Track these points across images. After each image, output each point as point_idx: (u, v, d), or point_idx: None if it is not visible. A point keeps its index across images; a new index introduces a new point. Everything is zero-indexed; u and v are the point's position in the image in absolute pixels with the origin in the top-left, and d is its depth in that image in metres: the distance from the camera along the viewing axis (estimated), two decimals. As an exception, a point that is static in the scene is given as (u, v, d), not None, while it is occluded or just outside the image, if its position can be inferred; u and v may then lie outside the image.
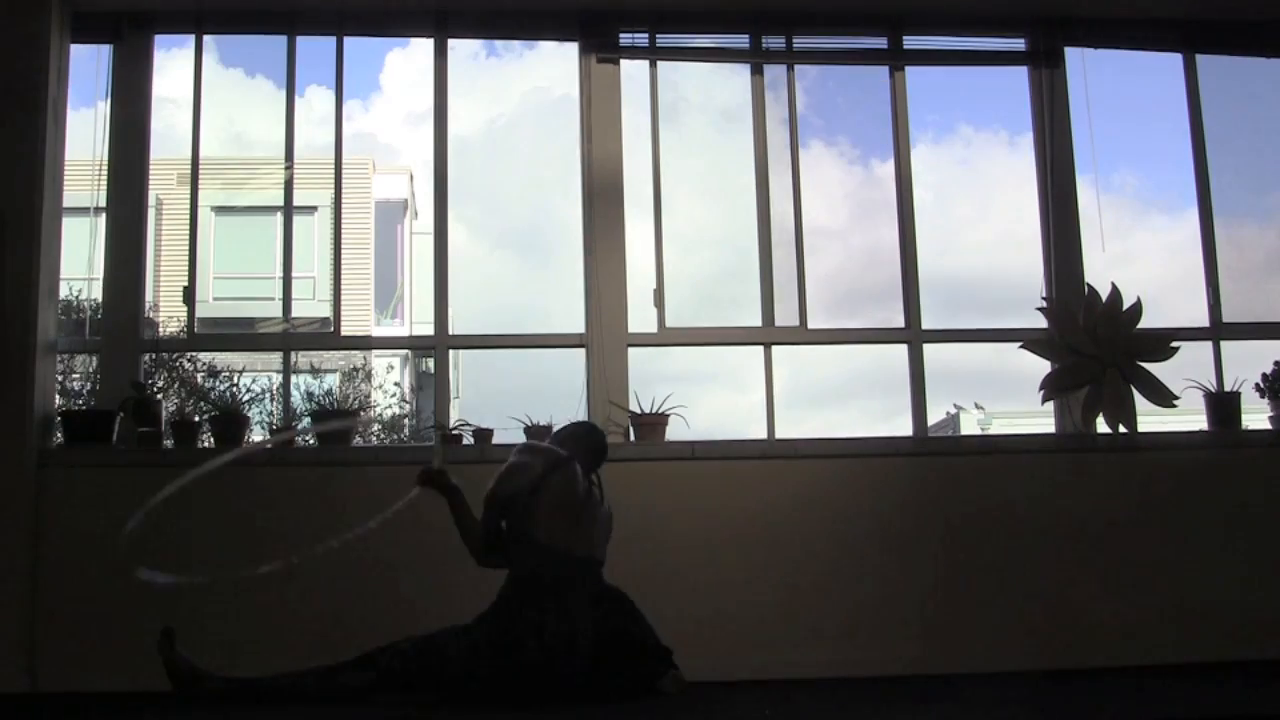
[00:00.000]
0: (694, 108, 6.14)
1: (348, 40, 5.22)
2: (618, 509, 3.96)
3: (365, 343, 9.82)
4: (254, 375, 9.09)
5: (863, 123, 5.61)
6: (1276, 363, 5.09)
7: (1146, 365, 4.96)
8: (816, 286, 5.15)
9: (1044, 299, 5.13)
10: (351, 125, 21.42)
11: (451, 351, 5.16)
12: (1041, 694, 3.86)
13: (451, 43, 5.22)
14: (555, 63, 5.32)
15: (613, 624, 3.61)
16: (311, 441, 4.78)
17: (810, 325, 5.09)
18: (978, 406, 13.44)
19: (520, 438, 4.74)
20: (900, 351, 5.14)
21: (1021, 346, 5.02)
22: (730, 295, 5.32)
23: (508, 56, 29.12)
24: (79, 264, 5.00)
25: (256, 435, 5.26)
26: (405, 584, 4.43)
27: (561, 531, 3.62)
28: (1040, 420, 5.72)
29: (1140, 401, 4.94)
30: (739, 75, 5.33)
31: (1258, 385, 5.08)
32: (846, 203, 6.96)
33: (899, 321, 5.16)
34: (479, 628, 3.56)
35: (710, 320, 5.17)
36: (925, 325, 5.14)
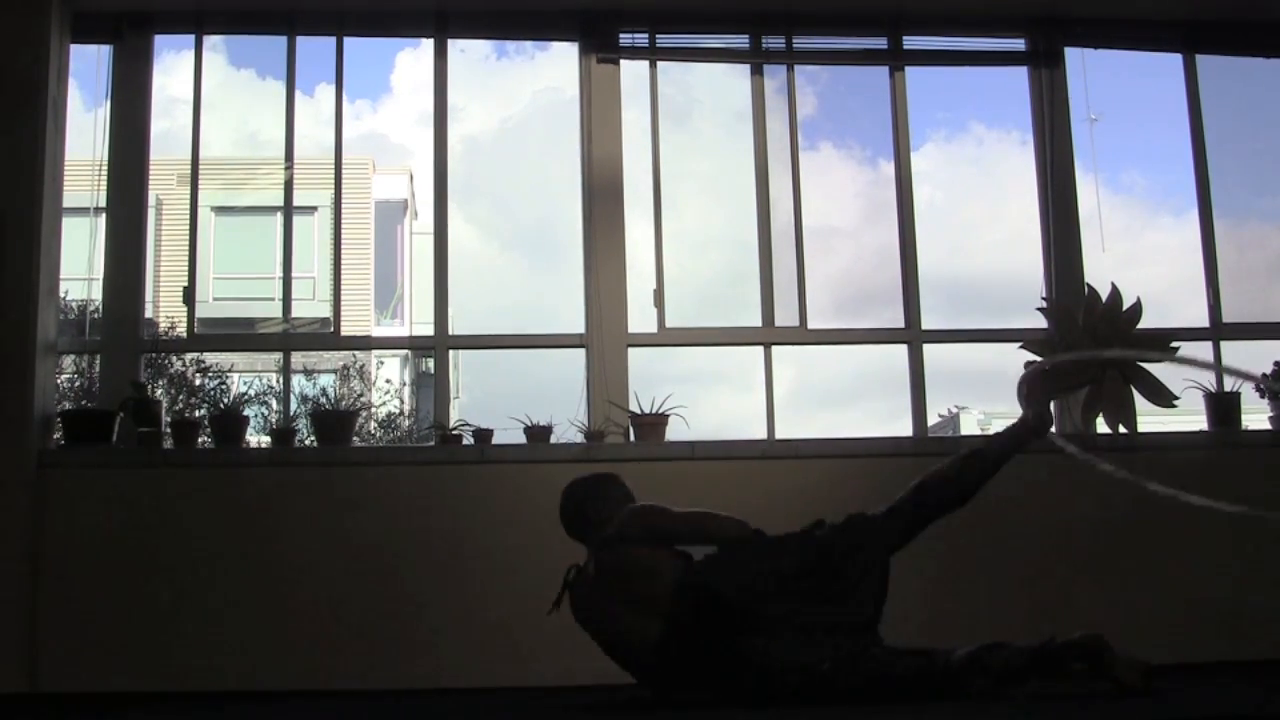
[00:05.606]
0: (705, 109, 6.14)
1: (358, 41, 5.23)
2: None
3: (365, 343, 9.83)
4: (251, 375, 9.12)
5: (872, 124, 5.60)
6: (1276, 363, 5.09)
7: (1146, 366, 4.96)
8: (827, 286, 5.16)
9: (1044, 299, 5.13)
10: (361, 125, 21.44)
11: (451, 351, 5.16)
12: (1041, 694, 3.86)
13: (463, 44, 5.23)
14: (565, 64, 5.32)
15: None
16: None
17: (812, 325, 5.09)
18: (958, 408, 13.51)
19: (520, 438, 4.74)
20: (904, 352, 5.15)
21: (1021, 347, 5.01)
22: (735, 295, 5.31)
23: (518, 58, 29.16)
24: (79, 264, 4.99)
25: (253, 436, 5.25)
26: (405, 583, 4.43)
27: None
28: (1040, 421, 5.71)
29: (1140, 401, 4.94)
30: (749, 77, 5.33)
31: (1258, 385, 5.07)
32: (857, 203, 6.97)
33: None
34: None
35: (714, 320, 5.17)
36: (934, 325, 5.14)
